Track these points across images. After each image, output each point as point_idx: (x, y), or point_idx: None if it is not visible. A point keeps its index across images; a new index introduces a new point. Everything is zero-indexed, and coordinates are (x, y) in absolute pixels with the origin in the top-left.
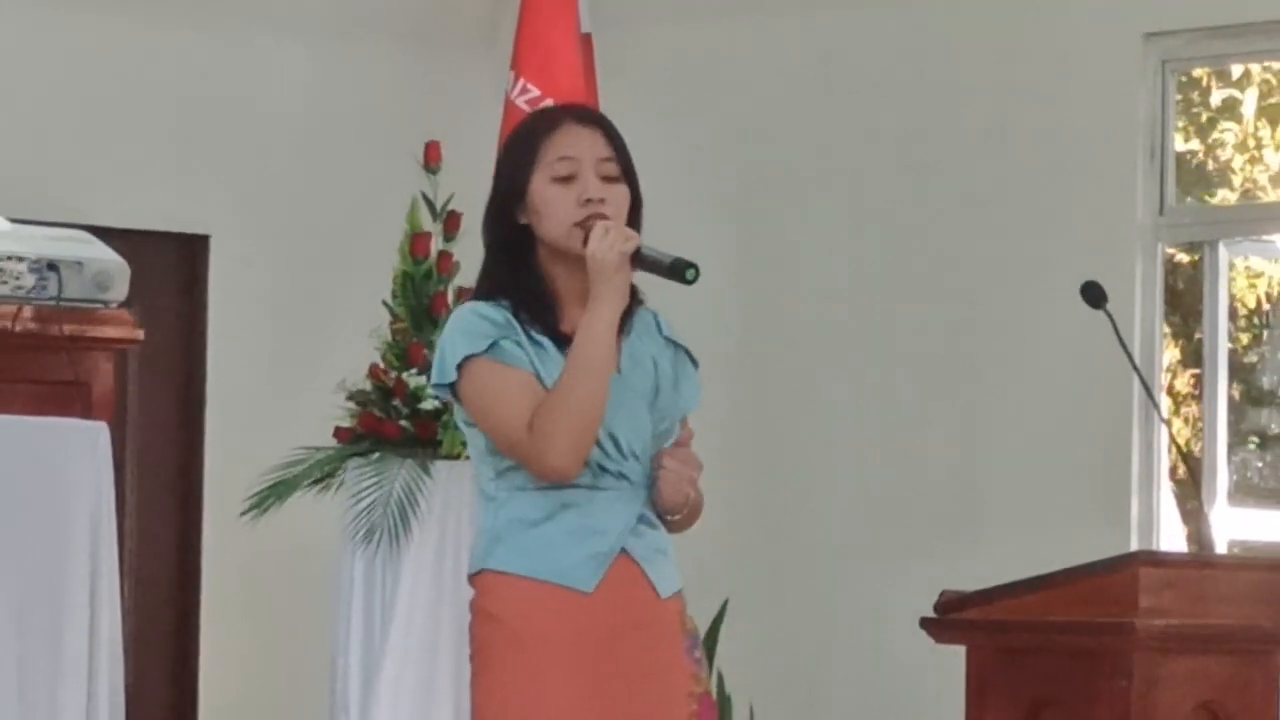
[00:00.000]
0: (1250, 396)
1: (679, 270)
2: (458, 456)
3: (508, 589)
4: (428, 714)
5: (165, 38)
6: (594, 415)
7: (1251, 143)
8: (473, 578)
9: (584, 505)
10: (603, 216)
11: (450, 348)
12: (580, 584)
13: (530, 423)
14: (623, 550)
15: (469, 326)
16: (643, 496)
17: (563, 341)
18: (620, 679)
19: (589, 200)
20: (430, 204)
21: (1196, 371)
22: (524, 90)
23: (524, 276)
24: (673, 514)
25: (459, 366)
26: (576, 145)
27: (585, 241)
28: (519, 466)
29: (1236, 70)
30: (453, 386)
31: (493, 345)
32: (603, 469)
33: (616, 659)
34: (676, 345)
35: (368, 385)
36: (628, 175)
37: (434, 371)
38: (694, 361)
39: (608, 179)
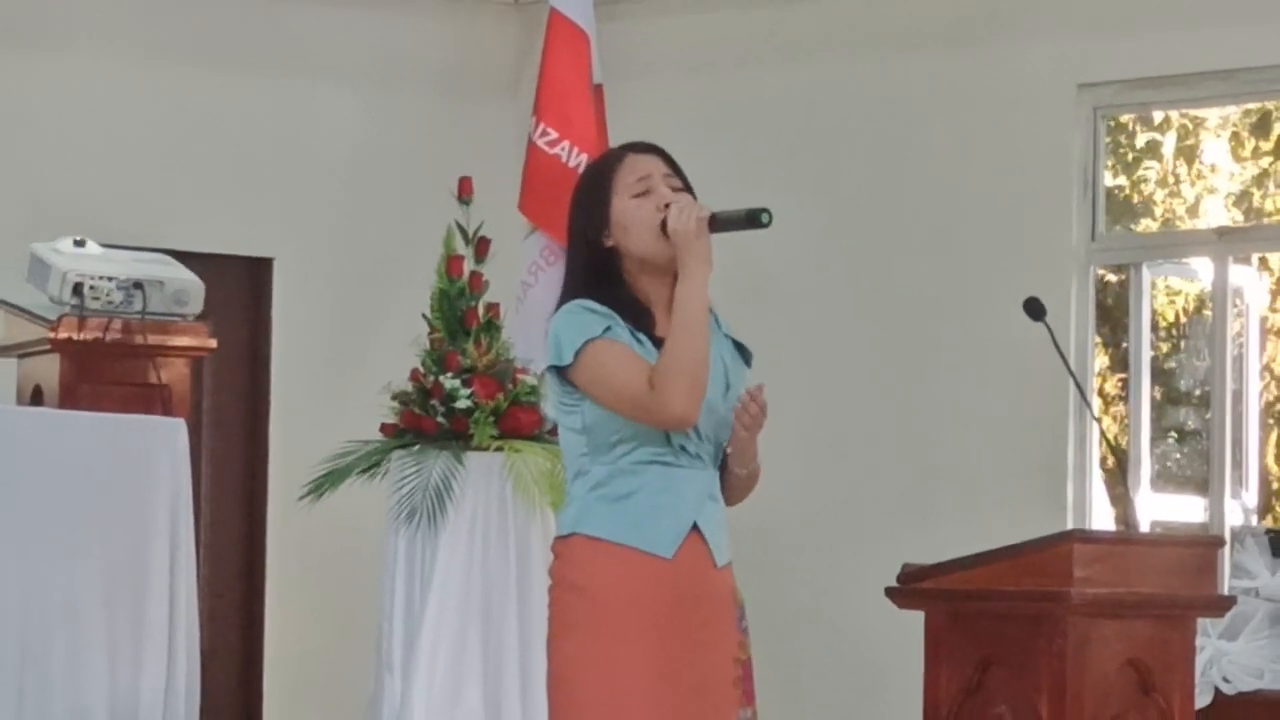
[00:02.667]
0: (1170, 397)
1: (755, 218)
2: (486, 448)
3: (595, 556)
4: (460, 671)
5: (234, 88)
6: (703, 366)
7: (1171, 179)
8: (561, 541)
9: (666, 481)
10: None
11: (567, 336)
12: (662, 550)
13: (650, 381)
14: (694, 523)
15: (582, 317)
16: (712, 476)
17: (658, 343)
18: (683, 644)
19: (666, 205)
20: (463, 231)
21: (1123, 376)
22: (544, 133)
23: (616, 291)
24: (745, 465)
25: (578, 351)
26: (645, 166)
27: (665, 228)
28: (612, 444)
29: (1158, 116)
30: (562, 370)
31: (606, 329)
32: (684, 449)
33: (682, 626)
34: (734, 341)
35: (409, 387)
36: (688, 188)
37: (550, 356)
38: (748, 352)
39: (675, 190)
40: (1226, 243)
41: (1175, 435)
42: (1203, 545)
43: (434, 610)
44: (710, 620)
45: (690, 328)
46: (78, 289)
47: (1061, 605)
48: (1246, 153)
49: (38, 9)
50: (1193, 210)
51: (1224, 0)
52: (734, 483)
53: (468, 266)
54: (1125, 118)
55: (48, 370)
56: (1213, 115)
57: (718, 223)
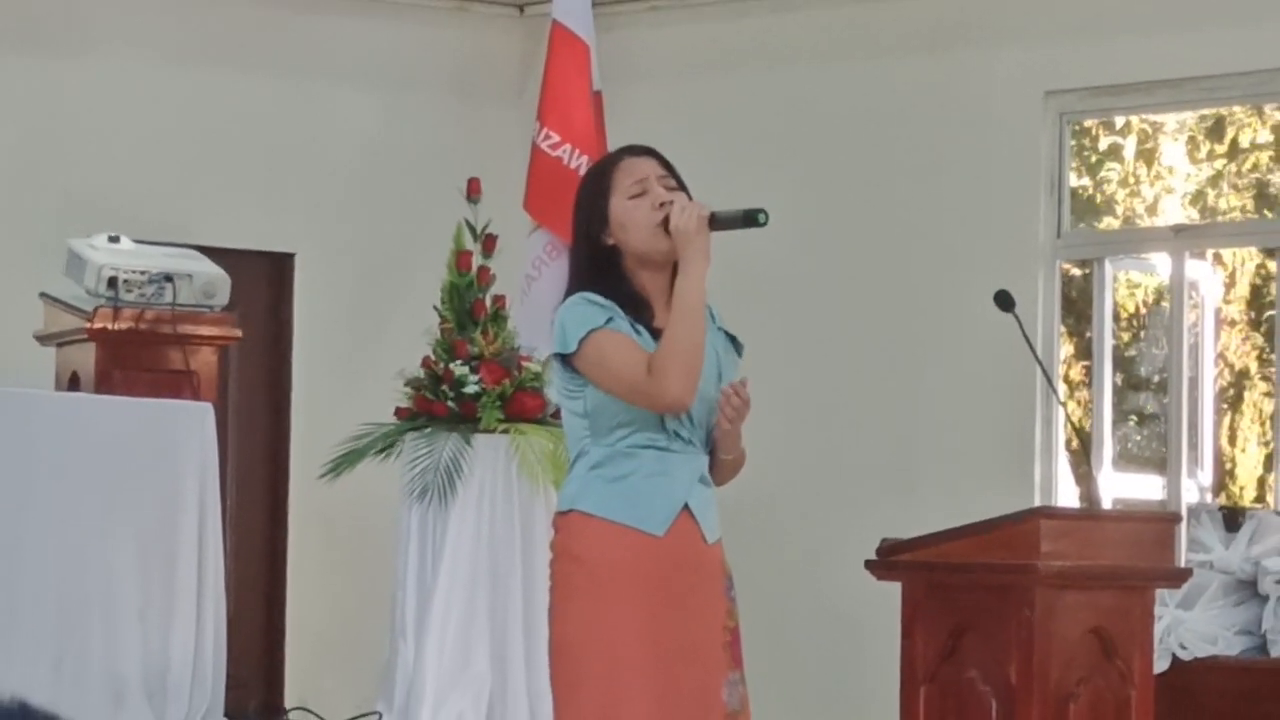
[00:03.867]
0: (1130, 383)
1: (752, 218)
2: (493, 430)
3: (592, 530)
4: (469, 637)
5: (258, 93)
6: (699, 354)
7: (1131, 180)
8: (561, 516)
9: (660, 464)
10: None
11: (572, 325)
12: (654, 528)
13: (649, 367)
14: (684, 503)
15: (586, 309)
16: (703, 460)
17: (656, 335)
18: (675, 612)
19: (662, 204)
20: (472, 228)
21: (1087, 363)
22: (547, 136)
23: (617, 285)
24: (731, 451)
25: (582, 340)
26: (641, 168)
27: (666, 226)
28: (611, 428)
29: (1119, 121)
30: (567, 358)
31: (608, 320)
32: (677, 435)
33: (674, 595)
34: (727, 333)
35: (421, 373)
36: (682, 186)
37: (556, 344)
38: (740, 344)
39: (669, 189)
40: (1183, 239)
41: (1135, 418)
42: (1161, 521)
43: (444, 581)
44: (700, 590)
45: (688, 318)
46: (112, 282)
47: (1029, 577)
48: (1202, 155)
49: (73, 18)
50: (1151, 209)
51: (1181, 13)
52: (720, 466)
53: (476, 261)
54: (1089, 122)
55: (84, 358)
56: (1170, 120)
57: (717, 221)
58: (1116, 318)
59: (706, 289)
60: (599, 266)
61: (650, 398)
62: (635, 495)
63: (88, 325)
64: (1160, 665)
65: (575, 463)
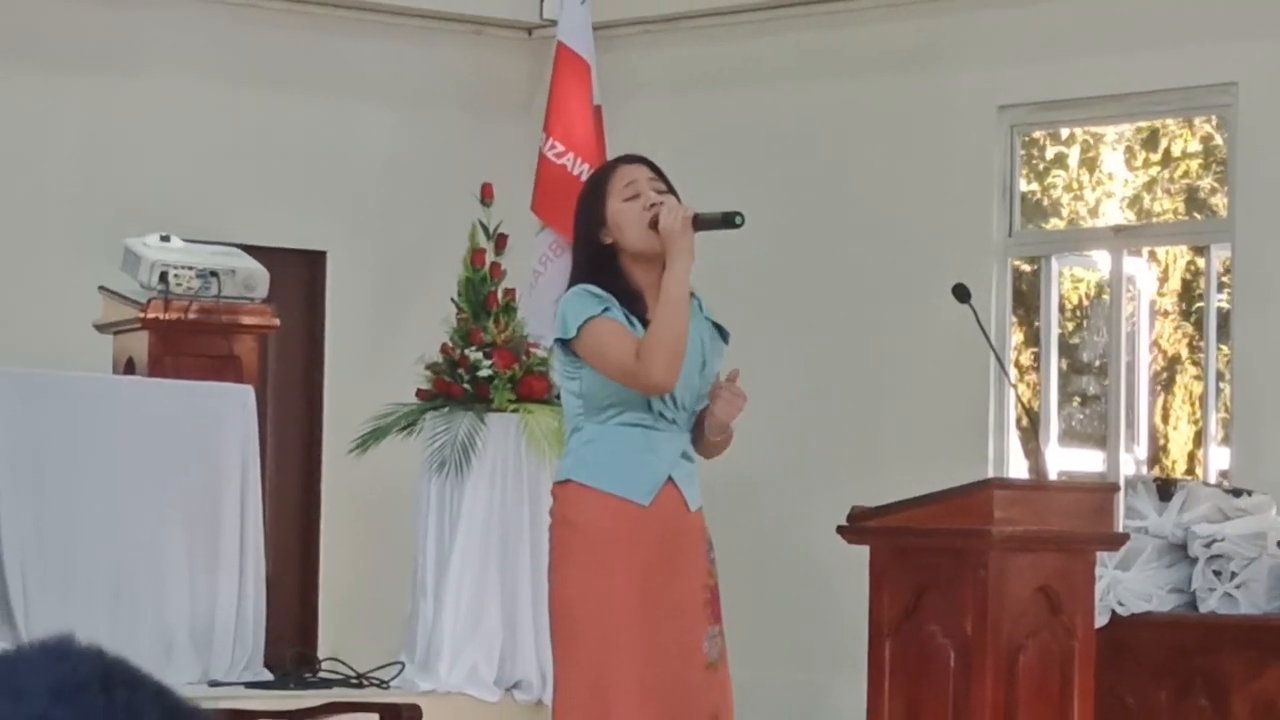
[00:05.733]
0: (1074, 368)
1: (730, 220)
2: (505, 410)
3: (586, 499)
4: (482, 596)
5: (293, 107)
6: (681, 342)
7: (1075, 185)
8: (559, 485)
9: (647, 441)
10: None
11: (572, 312)
12: (641, 498)
13: (636, 353)
14: (669, 476)
15: (585, 299)
16: (685, 437)
17: (648, 325)
18: (661, 572)
19: (653, 204)
20: (485, 228)
21: (1035, 349)
22: (552, 146)
23: (614, 280)
24: (719, 434)
25: (580, 326)
26: (634, 173)
27: (655, 225)
28: (603, 407)
29: (1065, 132)
30: (566, 342)
31: (604, 310)
32: (662, 415)
33: (659, 557)
34: (714, 323)
35: (440, 358)
36: (671, 190)
37: (557, 329)
38: (726, 332)
39: (659, 192)
40: (1122, 239)
41: (1078, 399)
42: (1101, 491)
43: (460, 546)
44: (683, 553)
45: (672, 310)
46: (163, 277)
47: (984, 541)
48: (1138, 163)
49: (127, 42)
50: (1093, 211)
51: (1120, 36)
52: (710, 446)
53: (489, 258)
54: (1037, 134)
55: (139, 345)
56: (1110, 132)
57: (700, 222)
58: (1062, 309)
59: (697, 283)
60: (597, 263)
61: (637, 380)
62: (624, 468)
63: (142, 315)
64: (1100, 620)
65: (570, 437)
